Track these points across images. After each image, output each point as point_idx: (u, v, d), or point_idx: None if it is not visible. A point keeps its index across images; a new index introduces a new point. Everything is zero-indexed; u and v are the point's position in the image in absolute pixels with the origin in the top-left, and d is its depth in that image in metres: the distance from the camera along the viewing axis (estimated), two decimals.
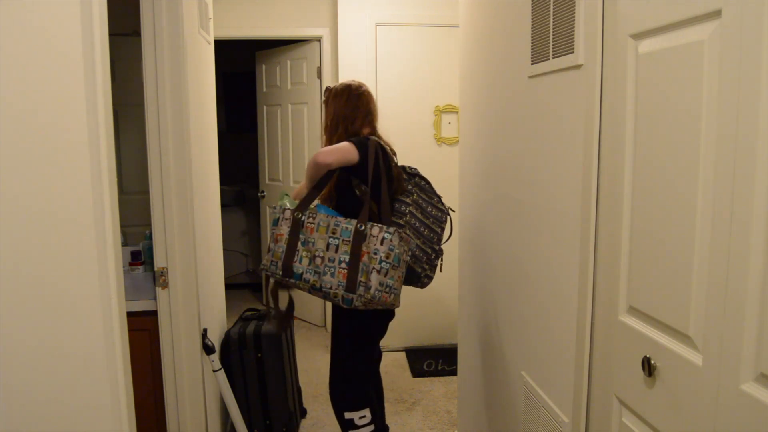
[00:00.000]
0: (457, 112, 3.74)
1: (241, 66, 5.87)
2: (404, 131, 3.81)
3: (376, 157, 2.11)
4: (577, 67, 1.38)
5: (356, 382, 2.29)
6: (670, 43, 1.06)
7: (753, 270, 0.87)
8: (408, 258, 2.02)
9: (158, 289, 2.00)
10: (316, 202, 2.13)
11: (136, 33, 1.90)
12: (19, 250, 1.03)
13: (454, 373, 3.35)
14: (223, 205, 3.25)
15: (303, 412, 3.08)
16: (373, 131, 2.26)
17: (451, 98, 3.75)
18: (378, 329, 2.28)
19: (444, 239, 2.24)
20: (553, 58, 1.50)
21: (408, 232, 2.12)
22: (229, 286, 3.35)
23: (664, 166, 1.08)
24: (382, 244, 1.93)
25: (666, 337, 1.09)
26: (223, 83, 6.16)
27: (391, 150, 2.25)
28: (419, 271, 2.19)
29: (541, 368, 1.66)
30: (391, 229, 1.93)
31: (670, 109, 1.06)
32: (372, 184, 2.06)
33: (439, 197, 2.21)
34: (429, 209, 2.19)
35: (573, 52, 1.39)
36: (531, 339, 1.73)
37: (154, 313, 2.02)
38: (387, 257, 1.93)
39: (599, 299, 1.34)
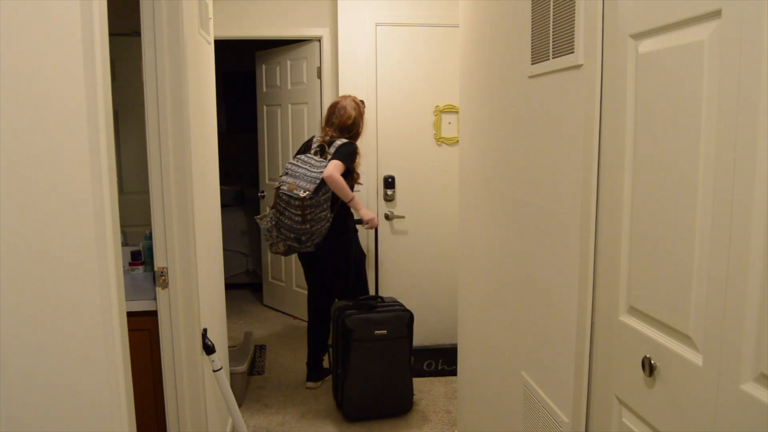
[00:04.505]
0: (457, 112, 3.74)
1: (241, 66, 5.87)
2: (404, 131, 3.81)
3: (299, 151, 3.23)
4: (577, 67, 1.38)
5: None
6: (670, 43, 1.06)
7: (753, 270, 0.87)
8: (267, 224, 3.10)
9: (158, 289, 2.00)
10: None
11: (136, 33, 1.90)
12: (19, 250, 1.03)
13: (454, 373, 3.35)
14: (223, 205, 3.25)
15: None
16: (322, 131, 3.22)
17: (451, 98, 3.75)
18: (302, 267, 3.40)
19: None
20: (553, 58, 1.50)
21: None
22: (229, 286, 3.35)
23: (664, 166, 1.08)
24: None
25: (666, 337, 1.09)
26: (223, 83, 6.16)
27: (326, 140, 3.10)
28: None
29: (541, 368, 1.66)
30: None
31: (670, 109, 1.06)
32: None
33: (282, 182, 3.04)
34: None
35: (573, 52, 1.39)
36: (531, 339, 1.73)
37: (154, 313, 2.02)
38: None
39: (599, 299, 1.34)
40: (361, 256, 3.36)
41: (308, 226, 2.96)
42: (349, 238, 3.23)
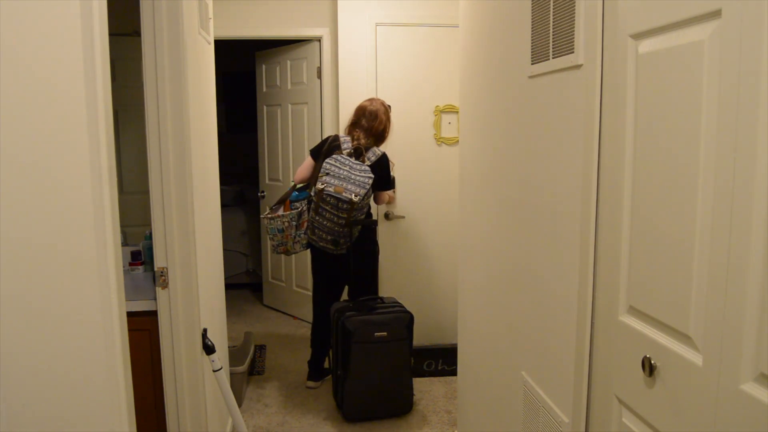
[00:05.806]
0: (457, 112, 3.74)
1: (241, 66, 5.87)
2: (404, 131, 3.80)
3: (321, 146, 3.19)
4: (577, 67, 1.38)
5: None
6: (670, 43, 1.06)
7: (753, 270, 0.87)
8: (281, 225, 3.12)
9: (158, 289, 2.00)
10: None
11: (136, 33, 1.90)
12: (19, 250, 1.03)
13: (454, 373, 3.35)
14: (223, 205, 3.25)
15: None
16: (348, 132, 3.20)
17: (451, 98, 3.75)
18: (315, 267, 3.36)
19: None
20: (553, 58, 1.50)
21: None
22: (229, 286, 3.35)
23: (664, 166, 1.08)
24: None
25: (666, 337, 1.09)
26: (223, 83, 6.16)
27: (361, 144, 3.08)
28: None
29: (541, 368, 1.66)
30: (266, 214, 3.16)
31: (670, 109, 1.06)
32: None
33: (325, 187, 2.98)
34: None
35: (573, 52, 1.39)
36: (531, 339, 1.73)
37: (154, 313, 2.02)
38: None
39: (599, 299, 1.34)
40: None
41: (348, 228, 2.98)
42: (376, 240, 3.37)
